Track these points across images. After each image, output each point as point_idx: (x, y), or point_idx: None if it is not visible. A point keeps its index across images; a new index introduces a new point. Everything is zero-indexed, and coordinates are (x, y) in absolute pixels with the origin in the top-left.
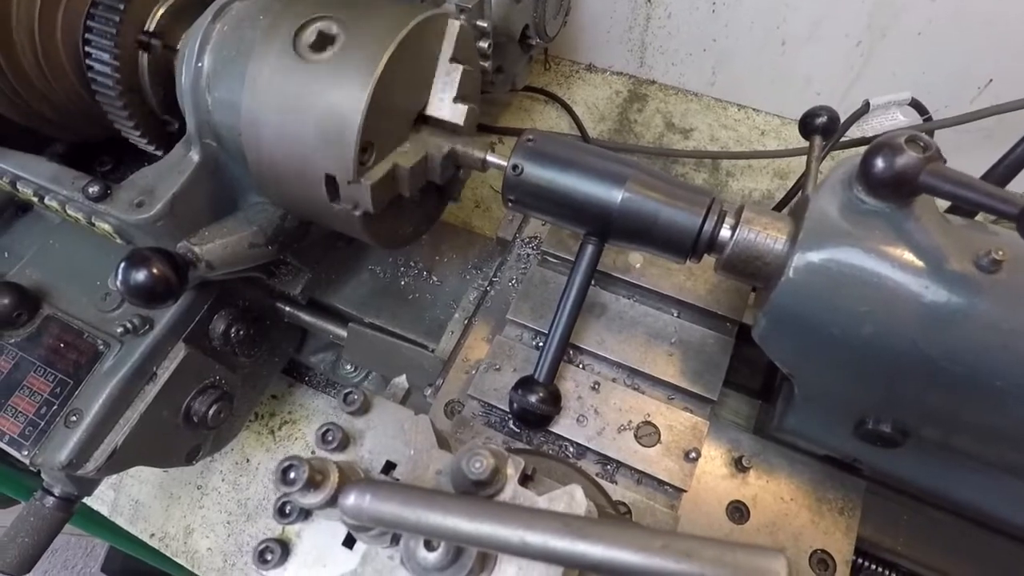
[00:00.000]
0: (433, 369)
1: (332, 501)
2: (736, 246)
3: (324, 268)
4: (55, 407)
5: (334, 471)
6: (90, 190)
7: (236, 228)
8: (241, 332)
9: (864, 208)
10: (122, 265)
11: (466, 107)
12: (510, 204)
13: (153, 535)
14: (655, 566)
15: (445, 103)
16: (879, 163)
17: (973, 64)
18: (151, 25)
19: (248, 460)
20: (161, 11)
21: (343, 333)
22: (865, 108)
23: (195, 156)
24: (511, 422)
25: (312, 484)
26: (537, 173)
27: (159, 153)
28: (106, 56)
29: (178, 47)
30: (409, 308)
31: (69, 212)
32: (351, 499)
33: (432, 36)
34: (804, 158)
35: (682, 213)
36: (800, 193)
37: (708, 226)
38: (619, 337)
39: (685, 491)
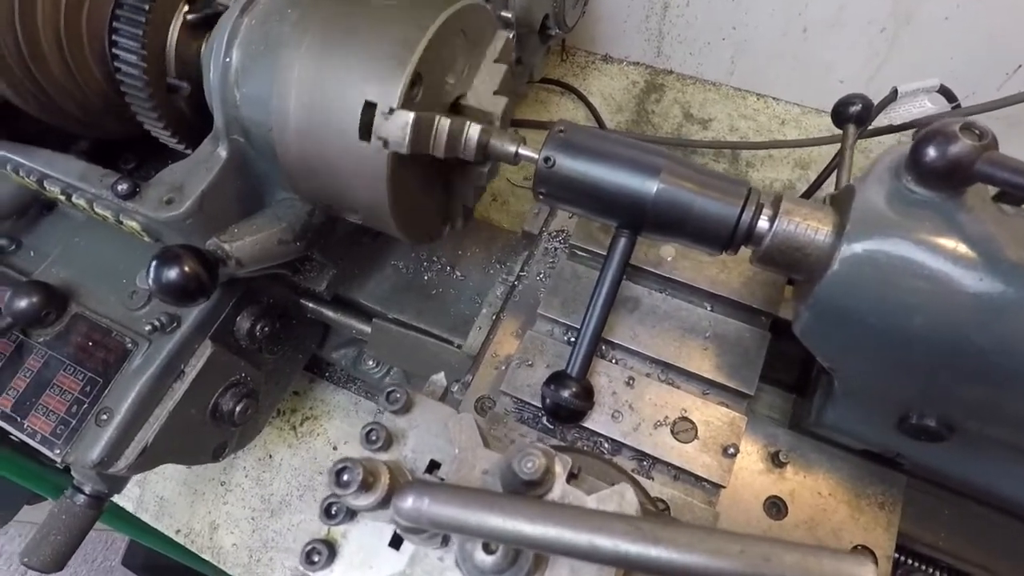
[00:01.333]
0: (459, 365)
1: (384, 503)
2: (775, 238)
3: (348, 264)
4: (85, 405)
5: (385, 472)
6: (119, 188)
7: (265, 225)
8: (266, 329)
9: (913, 198)
10: (154, 263)
11: (504, 99)
12: (541, 197)
13: (179, 531)
14: (732, 572)
15: (485, 94)
16: (931, 152)
17: (1002, 49)
18: (177, 21)
19: (271, 456)
20: (187, 7)
21: (367, 329)
22: (893, 95)
23: (223, 152)
24: (544, 418)
25: (365, 486)
26: (569, 165)
27: (185, 149)
28: (133, 54)
29: (205, 42)
30: (433, 304)
31: (97, 210)
32: (409, 502)
33: (478, 26)
34: (824, 148)
35: (718, 204)
36: (836, 183)
37: (746, 217)
38: (652, 332)
39: (724, 487)
